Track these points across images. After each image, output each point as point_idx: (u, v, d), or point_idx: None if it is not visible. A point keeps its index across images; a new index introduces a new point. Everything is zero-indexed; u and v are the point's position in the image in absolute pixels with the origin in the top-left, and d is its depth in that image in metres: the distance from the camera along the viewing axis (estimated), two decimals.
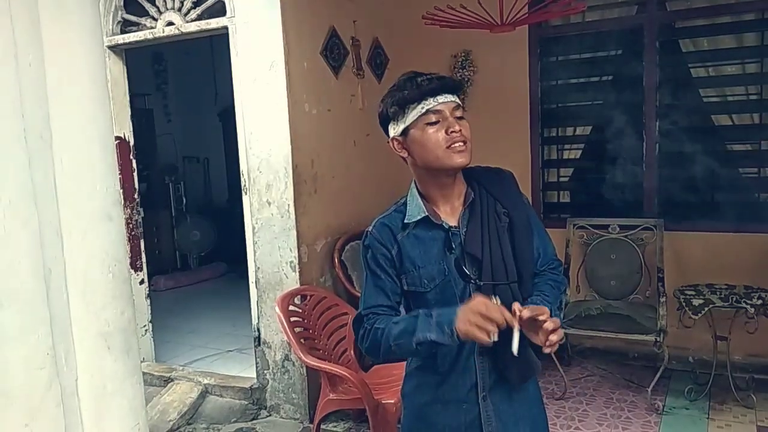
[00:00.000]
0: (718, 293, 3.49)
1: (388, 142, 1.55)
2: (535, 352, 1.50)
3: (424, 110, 1.45)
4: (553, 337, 1.35)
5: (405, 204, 1.56)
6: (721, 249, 3.92)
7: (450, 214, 1.53)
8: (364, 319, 1.53)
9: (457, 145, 1.44)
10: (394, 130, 1.51)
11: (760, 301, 3.37)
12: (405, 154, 1.52)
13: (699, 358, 3.92)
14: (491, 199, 1.54)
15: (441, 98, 1.45)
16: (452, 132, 1.44)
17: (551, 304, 1.51)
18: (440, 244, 1.51)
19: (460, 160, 1.46)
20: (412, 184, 1.57)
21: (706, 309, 3.40)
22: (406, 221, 1.53)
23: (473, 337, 1.33)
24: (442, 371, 1.53)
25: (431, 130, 1.45)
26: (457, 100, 1.49)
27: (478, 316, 1.32)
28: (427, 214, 1.51)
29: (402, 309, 1.58)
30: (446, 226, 1.51)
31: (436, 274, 1.50)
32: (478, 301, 1.35)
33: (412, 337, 1.40)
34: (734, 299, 3.39)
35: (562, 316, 1.61)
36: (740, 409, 3.46)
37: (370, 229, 1.57)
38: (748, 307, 3.34)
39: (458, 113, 1.47)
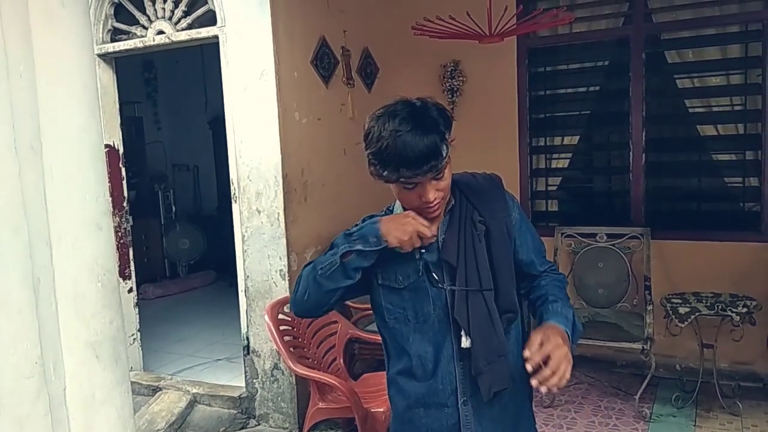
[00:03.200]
0: (704, 301, 3.53)
1: (369, 168, 1.46)
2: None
3: (400, 180, 1.39)
4: (553, 379, 1.31)
5: (392, 210, 1.59)
6: (707, 257, 3.96)
7: (432, 223, 1.51)
8: (302, 270, 1.55)
9: (429, 210, 1.44)
10: (372, 170, 1.43)
11: (745, 309, 3.41)
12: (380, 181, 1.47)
13: (686, 365, 3.95)
14: (470, 207, 1.54)
15: (420, 176, 1.38)
16: (425, 201, 1.42)
17: (570, 307, 1.55)
18: (417, 249, 1.50)
19: (432, 217, 1.47)
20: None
21: (693, 317, 3.44)
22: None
23: (400, 241, 1.39)
24: (421, 378, 1.54)
25: (406, 191, 1.43)
26: (441, 162, 1.38)
27: (401, 224, 1.39)
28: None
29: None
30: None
31: (411, 272, 1.51)
32: (404, 213, 1.42)
33: (336, 256, 1.43)
34: (720, 307, 3.43)
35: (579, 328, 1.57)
36: (726, 416, 3.49)
37: (349, 231, 1.57)
38: (734, 315, 3.38)
39: (437, 176, 1.40)
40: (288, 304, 3.27)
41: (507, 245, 1.55)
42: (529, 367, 1.33)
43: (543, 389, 1.33)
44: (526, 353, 1.35)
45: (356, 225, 1.54)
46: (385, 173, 1.39)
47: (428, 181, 1.40)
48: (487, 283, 1.50)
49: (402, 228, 1.41)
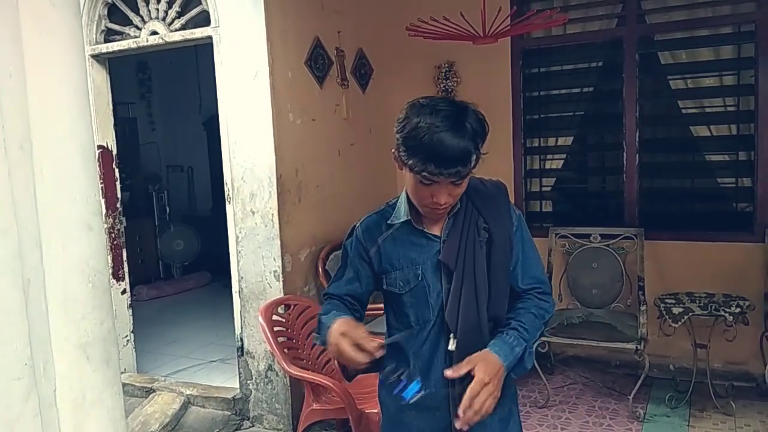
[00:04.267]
0: (697, 301, 3.54)
1: (393, 151, 1.49)
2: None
3: (422, 173, 1.39)
4: (468, 413, 1.39)
5: (395, 205, 1.60)
6: (701, 258, 3.98)
7: (434, 222, 1.55)
8: (324, 301, 1.65)
9: (435, 209, 1.46)
10: (397, 151, 1.46)
11: (738, 309, 3.42)
12: (400, 167, 1.48)
13: (679, 365, 3.96)
14: (475, 213, 1.55)
15: (444, 177, 1.39)
16: (435, 202, 1.44)
17: (525, 341, 1.51)
18: (418, 248, 1.54)
19: (436, 218, 1.53)
20: (405, 187, 1.57)
21: (686, 317, 3.45)
22: (390, 222, 1.57)
23: (345, 362, 1.47)
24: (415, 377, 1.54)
25: (421, 186, 1.43)
26: (462, 172, 1.40)
27: (331, 344, 1.45)
28: (409, 218, 1.54)
29: (364, 300, 1.67)
30: (427, 233, 1.55)
31: (411, 278, 1.53)
32: (335, 341, 1.43)
33: (319, 327, 1.55)
34: (713, 307, 3.44)
35: (533, 348, 1.59)
36: (720, 416, 3.50)
37: (357, 225, 1.64)
38: (727, 315, 3.39)
39: (456, 181, 1.42)
40: (282, 305, 3.26)
41: (507, 254, 1.55)
42: (448, 373, 1.43)
43: (458, 424, 1.41)
44: (447, 372, 1.43)
45: (357, 228, 1.64)
46: (410, 162, 1.40)
47: (447, 183, 1.41)
48: (483, 289, 1.51)
49: (330, 348, 1.47)
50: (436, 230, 1.55)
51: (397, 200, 1.60)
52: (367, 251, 1.58)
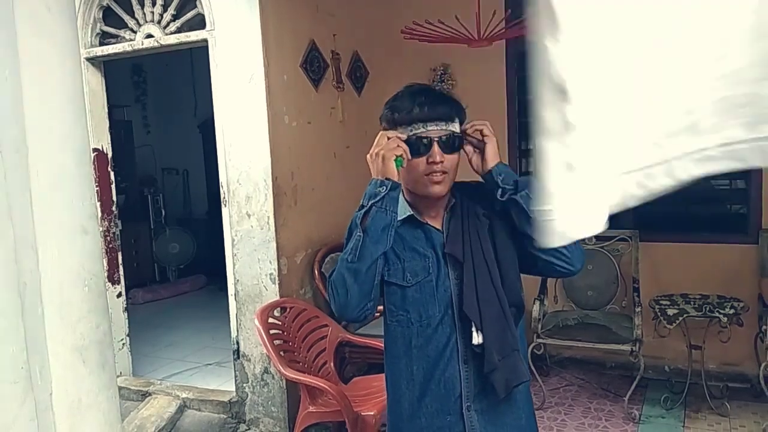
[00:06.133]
0: (692, 303, 3.56)
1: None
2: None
3: (411, 134, 1.44)
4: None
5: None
6: (695, 259, 3.99)
7: (433, 218, 1.54)
8: (332, 273, 1.48)
9: (434, 175, 1.44)
10: (385, 120, 1.52)
11: (732, 311, 3.44)
12: None
13: (674, 367, 3.97)
14: (471, 203, 1.53)
15: (431, 125, 1.44)
16: (431, 162, 1.43)
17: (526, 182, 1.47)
18: (423, 243, 1.51)
19: (436, 189, 1.47)
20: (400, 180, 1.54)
21: (681, 319, 3.46)
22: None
23: (388, 164, 1.41)
24: (419, 381, 1.48)
25: (414, 156, 1.44)
26: (451, 128, 1.46)
27: (379, 150, 1.41)
28: (412, 213, 1.52)
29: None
30: (431, 227, 1.52)
31: (420, 270, 1.48)
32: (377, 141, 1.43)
33: (356, 233, 1.42)
34: (708, 309, 3.46)
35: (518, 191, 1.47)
36: (715, 417, 3.51)
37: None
38: (722, 316, 3.41)
39: (445, 143, 1.45)
40: (278, 308, 3.26)
41: (509, 236, 1.51)
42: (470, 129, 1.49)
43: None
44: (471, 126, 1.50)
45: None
46: (397, 116, 1.46)
47: (436, 139, 1.44)
48: (497, 277, 1.47)
49: (376, 150, 1.43)
50: (437, 224, 1.53)
51: None
52: None
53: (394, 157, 1.41)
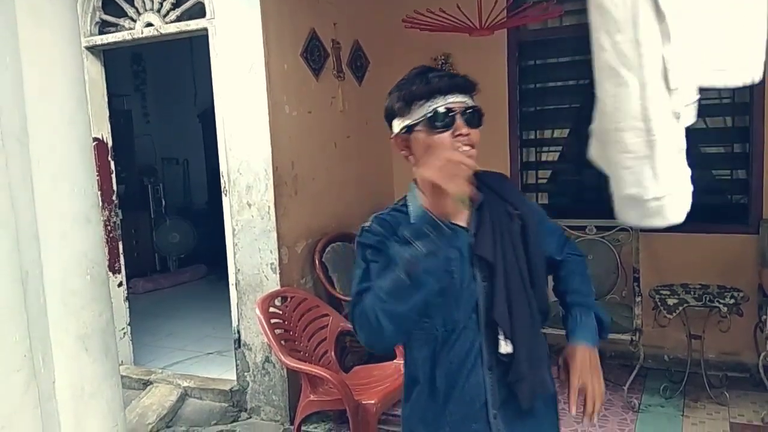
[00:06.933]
0: (692, 293, 3.56)
1: (391, 139, 1.43)
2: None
3: (431, 109, 1.32)
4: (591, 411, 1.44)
5: (405, 205, 1.43)
6: (696, 249, 3.99)
7: (456, 216, 1.34)
8: (358, 300, 1.32)
9: (461, 147, 1.32)
10: (398, 126, 1.39)
11: (732, 301, 3.44)
12: (407, 153, 1.40)
13: (674, 356, 3.99)
14: (500, 200, 1.41)
15: (451, 98, 1.33)
16: (458, 135, 1.32)
17: (591, 307, 1.51)
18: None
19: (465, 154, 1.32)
20: (412, 184, 1.44)
21: (681, 308, 3.47)
22: (411, 221, 1.36)
23: (448, 199, 1.19)
24: (442, 389, 1.39)
25: (437, 130, 1.32)
26: (470, 102, 1.37)
27: (443, 164, 1.19)
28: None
29: None
30: (454, 225, 1.31)
31: (441, 275, 1.31)
32: (434, 156, 1.23)
33: (399, 270, 1.22)
34: (708, 299, 3.46)
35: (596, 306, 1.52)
36: (714, 407, 3.53)
37: (367, 225, 1.41)
38: (721, 306, 3.42)
39: (468, 117, 1.35)
40: (279, 297, 3.27)
41: (539, 239, 1.44)
42: (573, 410, 1.41)
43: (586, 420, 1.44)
44: (572, 409, 1.41)
45: (369, 227, 1.39)
46: (414, 88, 1.34)
47: (461, 115, 1.33)
48: (528, 282, 1.38)
49: (435, 174, 1.19)
50: (461, 221, 1.36)
51: (404, 200, 1.45)
52: (389, 243, 1.34)
53: (459, 195, 1.20)
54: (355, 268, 1.39)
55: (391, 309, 1.24)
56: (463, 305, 1.36)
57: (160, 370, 4.18)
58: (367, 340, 1.32)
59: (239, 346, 3.70)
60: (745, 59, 1.00)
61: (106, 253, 3.98)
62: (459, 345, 1.37)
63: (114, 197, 4.13)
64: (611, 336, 3.66)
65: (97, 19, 3.89)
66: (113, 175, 4.13)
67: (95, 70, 3.99)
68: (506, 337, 1.34)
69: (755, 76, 1.01)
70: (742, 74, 1.01)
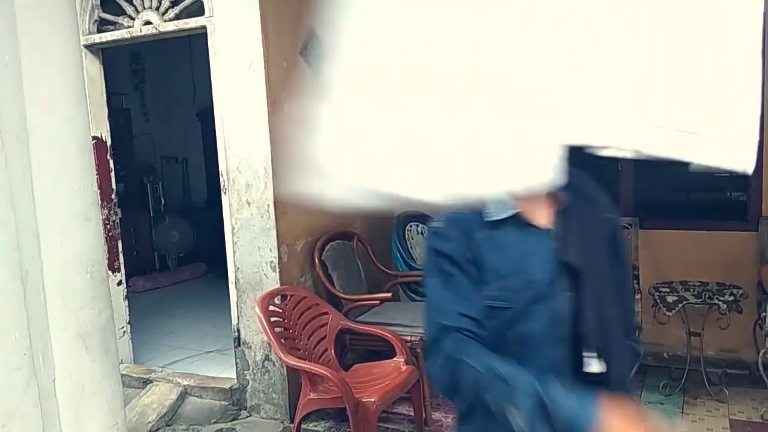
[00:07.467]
0: (691, 290, 3.57)
1: None
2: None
3: None
4: None
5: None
6: (695, 247, 4.00)
7: (540, 215, 1.21)
8: (442, 337, 1.16)
9: None
10: None
11: (731, 298, 3.45)
12: None
13: (673, 353, 3.99)
14: (588, 202, 1.26)
15: None
16: None
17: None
18: (528, 249, 1.20)
19: None
20: None
21: (680, 305, 3.47)
22: (488, 219, 1.19)
23: None
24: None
25: None
26: None
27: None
28: (518, 210, 1.19)
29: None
30: (539, 227, 1.20)
31: (520, 287, 1.17)
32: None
33: (514, 403, 1.07)
34: (707, 296, 3.47)
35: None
36: (713, 404, 3.53)
37: (435, 225, 1.24)
38: (721, 303, 3.42)
39: None
40: (278, 296, 3.27)
41: (627, 252, 1.35)
42: None
43: None
44: None
45: (441, 230, 1.21)
46: None
47: None
48: (618, 293, 1.24)
49: None
50: (542, 221, 1.21)
51: None
52: (466, 250, 1.19)
53: None
54: (428, 276, 1.24)
55: (483, 399, 1.13)
56: (539, 316, 1.17)
57: (160, 369, 4.18)
58: (446, 394, 1.23)
59: (239, 345, 3.70)
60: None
61: (106, 252, 3.97)
62: (534, 361, 1.17)
63: (113, 196, 4.13)
64: None
65: (96, 18, 3.88)
66: (112, 174, 4.12)
67: (94, 69, 3.98)
68: (600, 356, 1.18)
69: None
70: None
